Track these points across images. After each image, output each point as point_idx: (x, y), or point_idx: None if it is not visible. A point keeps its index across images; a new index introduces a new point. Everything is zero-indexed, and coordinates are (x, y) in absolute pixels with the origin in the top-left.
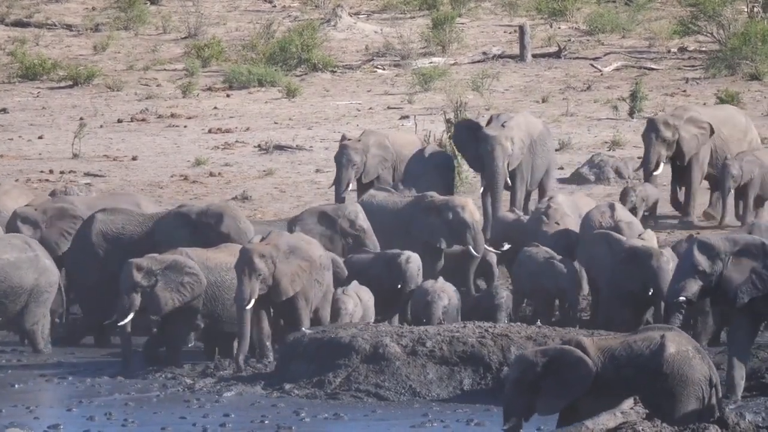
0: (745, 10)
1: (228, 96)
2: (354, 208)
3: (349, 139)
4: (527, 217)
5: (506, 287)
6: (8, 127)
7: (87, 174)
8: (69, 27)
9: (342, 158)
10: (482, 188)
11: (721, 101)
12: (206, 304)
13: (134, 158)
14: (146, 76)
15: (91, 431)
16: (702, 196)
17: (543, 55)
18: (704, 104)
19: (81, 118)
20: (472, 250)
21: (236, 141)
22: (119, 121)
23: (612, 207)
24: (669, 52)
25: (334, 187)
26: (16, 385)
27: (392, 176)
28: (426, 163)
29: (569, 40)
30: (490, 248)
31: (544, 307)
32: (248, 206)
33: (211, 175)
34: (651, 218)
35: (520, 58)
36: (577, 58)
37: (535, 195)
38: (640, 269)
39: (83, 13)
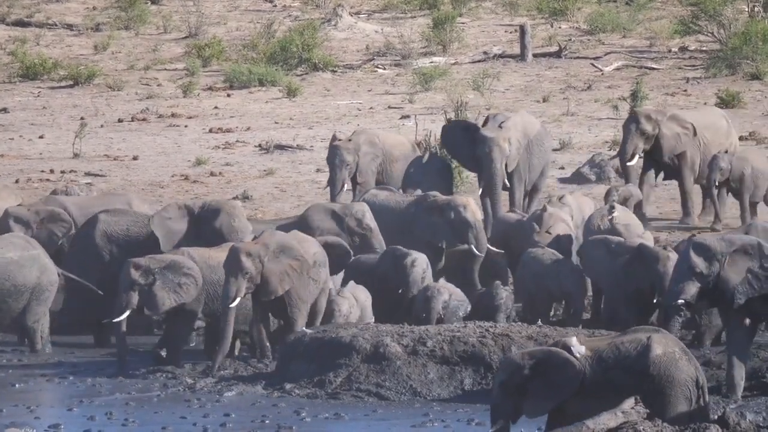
0: (746, 9)
1: (229, 96)
2: (361, 207)
3: (340, 139)
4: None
5: (506, 288)
6: (9, 127)
7: (88, 174)
8: (70, 27)
9: (335, 159)
10: (480, 190)
11: (722, 101)
12: (207, 303)
13: (135, 158)
14: (147, 76)
15: (92, 431)
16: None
17: (544, 55)
18: (705, 104)
19: (82, 118)
20: (475, 250)
21: (237, 141)
22: (120, 120)
23: (611, 210)
24: (670, 51)
25: (329, 188)
26: (17, 385)
27: (382, 175)
28: (426, 168)
29: (570, 39)
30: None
31: (548, 308)
32: (249, 206)
33: (212, 174)
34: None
35: (521, 57)
36: (578, 57)
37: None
38: (647, 269)
39: (84, 12)
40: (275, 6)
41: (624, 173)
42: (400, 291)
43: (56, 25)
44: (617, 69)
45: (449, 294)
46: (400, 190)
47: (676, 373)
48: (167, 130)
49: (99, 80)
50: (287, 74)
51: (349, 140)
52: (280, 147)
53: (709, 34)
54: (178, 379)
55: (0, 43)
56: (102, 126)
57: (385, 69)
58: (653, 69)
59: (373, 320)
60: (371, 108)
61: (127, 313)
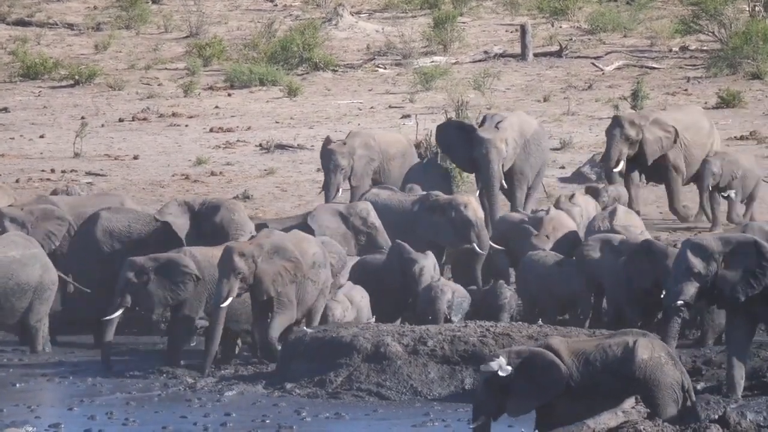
0: (747, 9)
1: (229, 95)
2: (365, 206)
3: (334, 142)
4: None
5: (510, 287)
6: (10, 126)
7: (88, 173)
8: (70, 26)
9: (329, 164)
10: (478, 191)
11: (723, 100)
12: (209, 302)
13: (135, 157)
14: (147, 75)
15: (93, 430)
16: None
17: (544, 54)
18: (705, 103)
19: (82, 118)
20: (477, 248)
21: (237, 140)
22: (120, 120)
23: (613, 213)
24: (670, 51)
25: (323, 192)
26: (18, 385)
27: (380, 174)
28: (425, 173)
29: (570, 39)
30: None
31: (553, 310)
32: (249, 205)
33: (213, 174)
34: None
35: (522, 57)
36: (579, 57)
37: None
38: (654, 265)
39: (85, 12)
40: (276, 5)
41: (607, 177)
42: (410, 300)
43: (57, 25)
44: (618, 68)
45: (452, 292)
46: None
47: (662, 377)
48: (168, 130)
49: (100, 80)
50: (288, 74)
51: (344, 143)
52: (281, 146)
53: (709, 34)
54: (178, 379)
55: (1, 42)
56: (103, 125)
57: (385, 68)
58: (654, 68)
59: (373, 320)
60: (372, 107)
61: (120, 311)
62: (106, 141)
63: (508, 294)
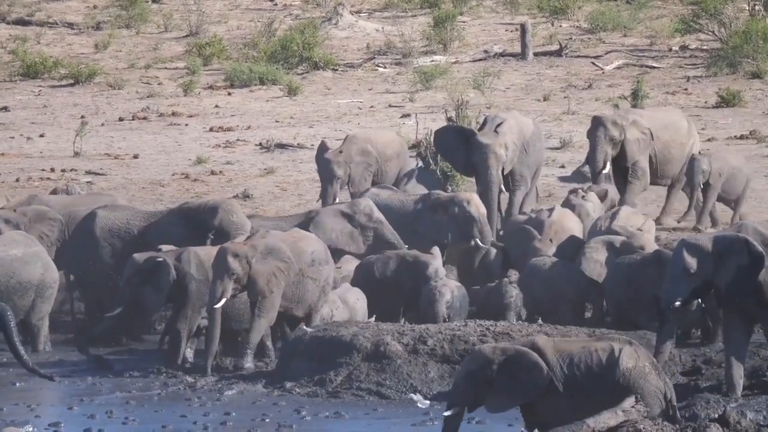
0: (747, 8)
1: (229, 94)
2: (367, 202)
3: (330, 150)
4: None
5: (514, 285)
6: (9, 126)
7: (88, 172)
8: (70, 25)
9: (325, 173)
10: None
11: (723, 99)
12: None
13: (135, 156)
14: (147, 75)
15: (92, 429)
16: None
17: (544, 54)
18: (705, 102)
19: (82, 117)
20: (480, 243)
21: (237, 139)
22: (120, 119)
23: (615, 215)
24: (670, 50)
25: (321, 201)
26: (17, 384)
27: (377, 177)
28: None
29: (570, 38)
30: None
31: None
32: (249, 205)
33: (213, 173)
34: None
35: (522, 56)
36: (579, 56)
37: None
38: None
39: (84, 11)
40: (276, 5)
41: (594, 179)
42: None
43: (57, 24)
44: (618, 68)
45: (451, 292)
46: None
47: (646, 385)
48: (168, 129)
49: (100, 79)
50: (288, 73)
51: (340, 151)
52: (281, 146)
53: (709, 33)
54: (178, 378)
55: (1, 41)
56: (102, 125)
57: (385, 68)
58: (654, 68)
59: (373, 319)
60: (372, 107)
61: (118, 310)
62: (106, 140)
63: (514, 293)
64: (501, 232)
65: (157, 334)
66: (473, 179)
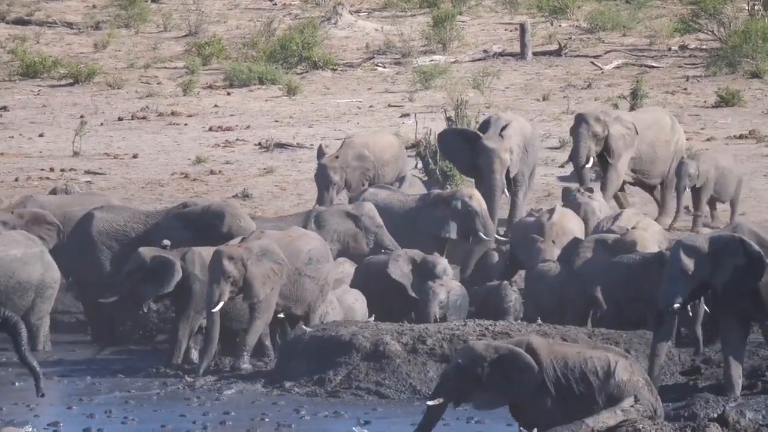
0: (746, 8)
1: (228, 94)
2: (371, 206)
3: (327, 156)
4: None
5: (513, 288)
6: (9, 125)
7: (88, 172)
8: (70, 25)
9: (322, 180)
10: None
11: (722, 99)
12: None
13: (135, 156)
14: (147, 74)
15: (91, 429)
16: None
17: (544, 53)
18: (704, 102)
19: (81, 116)
20: (483, 236)
21: (237, 139)
22: (120, 119)
23: (617, 217)
24: (670, 50)
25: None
26: (17, 383)
27: (375, 181)
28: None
29: (570, 38)
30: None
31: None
32: (249, 204)
33: (212, 173)
34: None
35: (521, 56)
36: (578, 56)
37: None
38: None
39: (84, 11)
40: (275, 4)
41: (578, 176)
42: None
43: (56, 24)
44: (617, 67)
45: (447, 292)
46: None
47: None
48: (167, 129)
49: (99, 78)
50: (287, 72)
51: (336, 157)
52: (280, 145)
53: (709, 33)
54: (177, 377)
55: (0, 41)
56: (102, 124)
57: (385, 67)
58: (653, 67)
59: (372, 318)
60: (371, 106)
61: (113, 298)
62: (105, 140)
63: (513, 297)
64: (502, 235)
65: (157, 335)
66: (473, 179)
